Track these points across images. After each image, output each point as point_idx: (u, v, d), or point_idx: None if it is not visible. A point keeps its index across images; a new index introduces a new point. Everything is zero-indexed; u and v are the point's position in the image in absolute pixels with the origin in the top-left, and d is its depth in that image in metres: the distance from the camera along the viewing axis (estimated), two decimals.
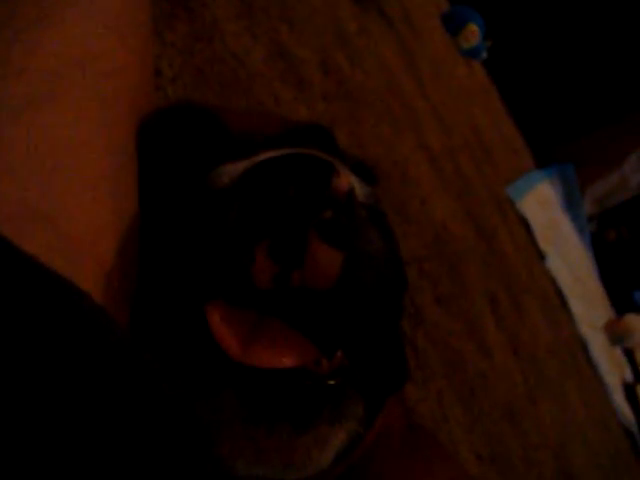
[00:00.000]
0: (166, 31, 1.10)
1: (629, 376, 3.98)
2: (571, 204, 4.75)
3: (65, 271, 0.36)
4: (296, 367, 0.42)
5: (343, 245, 0.42)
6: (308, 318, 0.43)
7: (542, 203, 3.98)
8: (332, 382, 0.44)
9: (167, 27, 1.11)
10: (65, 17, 0.48)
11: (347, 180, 0.43)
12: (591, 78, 5.17)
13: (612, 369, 3.62)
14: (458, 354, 1.69)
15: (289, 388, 0.42)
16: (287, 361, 0.42)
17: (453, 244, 2.06)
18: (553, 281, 3.44)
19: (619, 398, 3.47)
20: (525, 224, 3.44)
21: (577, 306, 3.56)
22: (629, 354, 4.19)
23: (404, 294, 0.52)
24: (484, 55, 4.52)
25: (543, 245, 3.51)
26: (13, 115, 0.41)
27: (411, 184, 1.97)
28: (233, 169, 0.46)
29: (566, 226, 4.49)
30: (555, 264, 3.56)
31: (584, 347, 3.36)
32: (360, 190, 0.49)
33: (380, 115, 2.01)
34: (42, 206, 0.40)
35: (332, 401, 0.43)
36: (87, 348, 0.33)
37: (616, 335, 3.97)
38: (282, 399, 0.41)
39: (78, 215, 0.42)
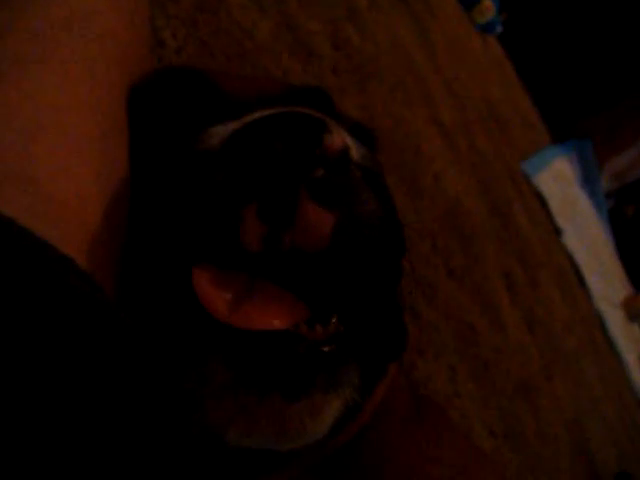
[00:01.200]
0: (169, 3, 1.09)
1: None
2: (588, 180, 4.71)
3: (48, 235, 0.35)
4: (288, 331, 0.41)
5: (335, 205, 0.40)
6: (300, 280, 0.42)
7: (558, 179, 3.95)
8: (326, 349, 0.42)
9: None
10: None
11: (341, 138, 0.41)
12: (608, 51, 5.11)
13: (630, 345, 3.61)
14: (471, 329, 1.68)
15: (281, 355, 0.40)
16: (277, 322, 0.40)
17: (467, 219, 2.04)
18: (570, 257, 3.41)
19: (636, 374, 3.46)
20: (541, 200, 3.41)
21: (594, 282, 3.54)
22: None
23: (402, 257, 0.51)
24: (499, 29, 4.47)
25: (559, 221, 3.49)
26: None
27: (424, 159, 1.95)
28: (223, 130, 0.44)
29: (583, 202, 4.45)
30: (572, 240, 3.54)
31: (601, 323, 3.35)
32: (356, 151, 0.47)
33: (392, 89, 1.99)
34: (24, 169, 0.38)
35: (326, 368, 0.42)
36: (68, 314, 0.32)
37: (634, 311, 3.95)
38: (274, 366, 0.40)
39: (62, 178, 0.41)
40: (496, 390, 1.66)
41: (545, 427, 1.84)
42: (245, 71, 1.24)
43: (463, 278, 1.77)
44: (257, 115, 0.43)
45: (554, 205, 3.52)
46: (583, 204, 4.44)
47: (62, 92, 0.44)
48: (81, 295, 0.34)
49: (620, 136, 5.17)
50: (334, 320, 0.44)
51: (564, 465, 1.86)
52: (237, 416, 0.41)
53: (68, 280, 0.34)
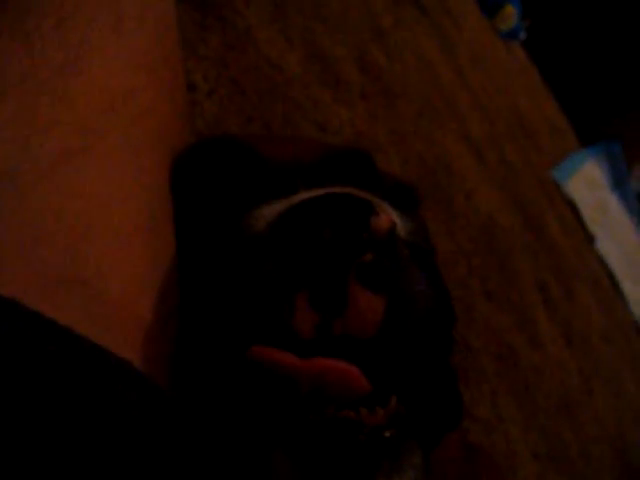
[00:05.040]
0: (199, 44, 1.09)
1: None
2: (619, 182, 4.66)
3: (104, 337, 0.35)
4: (349, 418, 0.40)
5: (385, 289, 0.40)
6: (354, 364, 0.41)
7: (589, 184, 3.92)
8: (388, 434, 0.42)
9: (200, 40, 1.10)
10: (91, 61, 0.47)
11: (387, 218, 0.41)
12: (634, 52, 5.07)
13: None
14: (510, 350, 1.66)
15: (343, 444, 0.40)
16: (355, 371, 0.40)
17: (501, 236, 2.03)
18: (604, 264, 3.38)
19: None
20: (573, 207, 3.38)
21: (630, 288, 3.50)
22: None
23: (452, 328, 0.51)
24: (523, 35, 4.45)
25: (592, 227, 3.45)
26: (42, 174, 0.40)
27: (455, 177, 1.94)
28: (269, 212, 0.44)
29: (614, 206, 4.41)
30: (605, 246, 3.50)
31: (639, 330, 3.30)
32: (402, 225, 0.47)
33: (420, 109, 1.98)
34: (77, 271, 0.38)
35: (389, 454, 0.42)
36: (129, 422, 0.32)
37: None
38: (337, 456, 0.40)
39: (115, 276, 0.41)
40: (538, 411, 1.64)
41: (588, 445, 1.82)
42: (276, 106, 1.24)
43: (500, 298, 1.75)
44: (302, 196, 0.43)
45: (586, 211, 3.49)
46: (614, 208, 4.39)
47: (108, 183, 0.43)
48: (140, 403, 0.34)
49: None
50: (393, 401, 0.43)
51: None
52: None
53: (126, 388, 0.34)
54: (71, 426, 0.30)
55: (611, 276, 3.39)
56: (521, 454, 1.46)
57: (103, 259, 0.40)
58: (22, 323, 0.32)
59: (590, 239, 3.40)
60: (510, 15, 4.04)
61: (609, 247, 3.58)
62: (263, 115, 1.17)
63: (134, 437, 0.32)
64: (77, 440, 0.30)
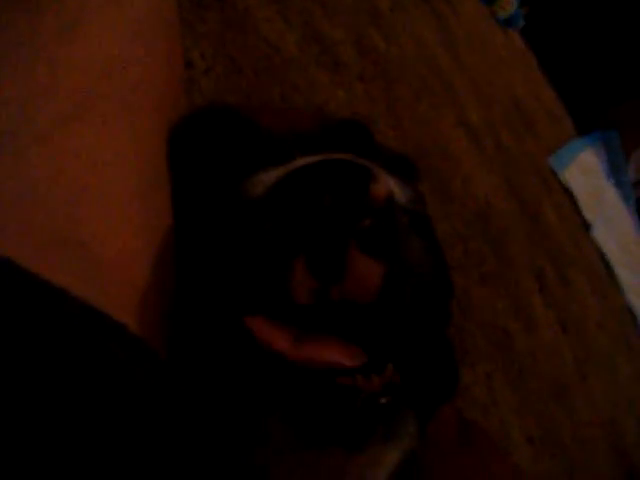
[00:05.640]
0: (197, 22, 1.09)
1: None
2: (615, 171, 4.66)
3: (99, 300, 0.35)
4: (345, 385, 0.40)
5: (384, 255, 0.40)
6: (352, 331, 0.41)
7: (586, 172, 3.91)
8: (384, 400, 0.42)
9: (198, 18, 1.09)
10: (89, 28, 0.47)
11: (386, 185, 0.41)
12: (632, 40, 5.06)
13: None
14: (505, 334, 1.67)
15: (339, 410, 0.40)
16: (345, 360, 0.40)
17: (497, 221, 2.02)
18: (599, 251, 3.38)
19: None
20: (569, 195, 3.38)
21: (625, 275, 3.50)
22: None
23: (450, 299, 0.51)
24: (521, 23, 4.44)
25: (588, 215, 3.45)
26: (38, 138, 0.40)
27: (452, 162, 1.94)
28: (267, 178, 0.44)
29: (611, 194, 4.40)
30: (601, 234, 3.50)
31: (633, 318, 3.31)
32: (401, 193, 0.47)
33: (418, 93, 1.97)
34: (72, 233, 0.38)
35: (385, 420, 0.42)
36: (123, 384, 0.32)
37: None
38: (332, 422, 0.40)
39: (110, 240, 0.40)
40: (532, 395, 1.64)
41: (582, 429, 1.83)
42: (273, 86, 1.23)
43: (495, 282, 1.75)
44: (301, 162, 0.43)
45: (582, 199, 3.48)
46: (610, 196, 4.39)
47: (104, 148, 0.43)
48: (135, 365, 0.34)
49: None
50: (389, 369, 0.43)
51: (603, 467, 1.84)
52: (298, 471, 0.40)
53: (120, 351, 0.34)
54: (63, 386, 0.30)
55: (606, 263, 3.39)
56: (515, 438, 1.47)
57: (99, 222, 0.40)
58: (15, 283, 0.32)
59: (586, 226, 3.40)
60: (509, 2, 4.04)
61: (605, 234, 3.58)
62: (260, 95, 1.17)
63: (127, 399, 0.32)
64: (69, 401, 0.30)
